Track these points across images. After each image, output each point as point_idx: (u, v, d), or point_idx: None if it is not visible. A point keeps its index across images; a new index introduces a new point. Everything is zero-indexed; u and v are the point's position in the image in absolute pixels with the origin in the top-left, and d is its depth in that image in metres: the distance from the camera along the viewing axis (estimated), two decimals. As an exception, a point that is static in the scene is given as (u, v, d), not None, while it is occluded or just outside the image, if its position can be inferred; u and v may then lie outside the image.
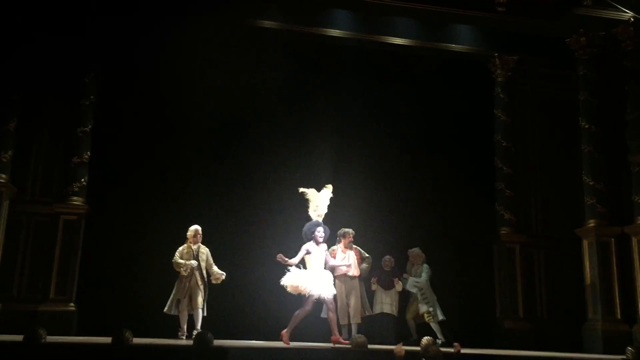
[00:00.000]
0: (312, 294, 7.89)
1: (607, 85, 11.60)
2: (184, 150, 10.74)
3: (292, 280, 7.94)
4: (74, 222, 9.80)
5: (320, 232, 8.16)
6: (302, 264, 8.12)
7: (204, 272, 8.79)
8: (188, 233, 8.89)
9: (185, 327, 8.64)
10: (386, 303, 9.73)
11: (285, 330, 7.99)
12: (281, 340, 7.95)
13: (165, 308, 8.71)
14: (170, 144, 10.68)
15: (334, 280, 8.49)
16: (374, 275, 9.88)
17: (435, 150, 11.62)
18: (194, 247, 8.81)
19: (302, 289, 7.89)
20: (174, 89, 10.60)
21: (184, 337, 8.46)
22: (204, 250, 8.89)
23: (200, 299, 8.62)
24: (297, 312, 8.01)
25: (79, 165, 10.03)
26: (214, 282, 8.83)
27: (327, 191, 8.50)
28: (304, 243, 8.13)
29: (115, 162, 10.44)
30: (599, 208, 10.71)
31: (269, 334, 8.91)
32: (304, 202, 10.58)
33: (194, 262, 8.65)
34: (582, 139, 11.15)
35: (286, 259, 7.89)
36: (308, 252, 8.07)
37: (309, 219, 8.43)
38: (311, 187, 8.54)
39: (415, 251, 10.04)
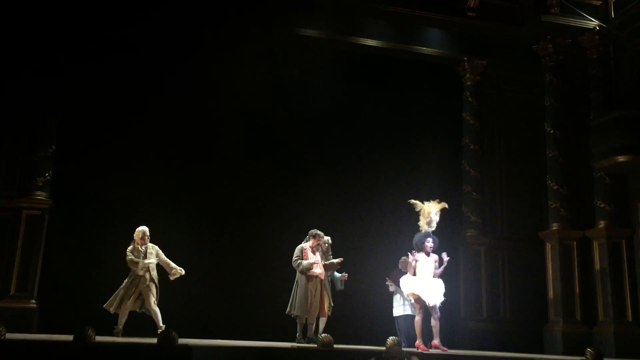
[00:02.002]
0: (425, 301, 8.41)
1: (572, 91, 11.87)
2: (150, 147, 10.57)
3: (410, 287, 8.53)
4: (37, 217, 9.63)
5: (430, 243, 8.69)
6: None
7: (155, 271, 8.59)
8: (135, 235, 8.61)
9: (122, 325, 8.40)
10: (407, 305, 9.57)
11: (417, 341, 8.36)
12: (418, 349, 8.24)
13: (106, 304, 8.36)
14: (137, 141, 10.53)
15: (307, 280, 8.56)
16: (391, 277, 9.77)
17: (403, 152, 11.70)
18: (142, 248, 8.60)
19: (418, 295, 8.44)
20: (137, 84, 10.47)
21: (120, 335, 8.30)
22: (153, 250, 8.67)
23: (152, 299, 8.46)
24: (416, 320, 8.46)
25: (44, 160, 9.84)
26: (171, 278, 8.62)
27: (441, 206, 9.02)
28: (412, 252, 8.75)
29: (81, 157, 10.26)
30: (562, 212, 10.95)
31: (236, 333, 8.89)
32: (274, 206, 10.64)
33: (153, 261, 8.47)
34: (547, 143, 11.39)
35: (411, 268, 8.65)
36: (416, 261, 8.62)
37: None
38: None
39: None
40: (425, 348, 8.28)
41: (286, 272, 8.98)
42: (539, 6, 11.60)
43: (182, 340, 6.27)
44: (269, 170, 10.99)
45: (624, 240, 10.62)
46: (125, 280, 8.47)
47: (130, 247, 8.57)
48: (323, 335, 7.42)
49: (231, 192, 10.83)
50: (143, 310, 8.54)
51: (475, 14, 11.76)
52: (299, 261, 8.63)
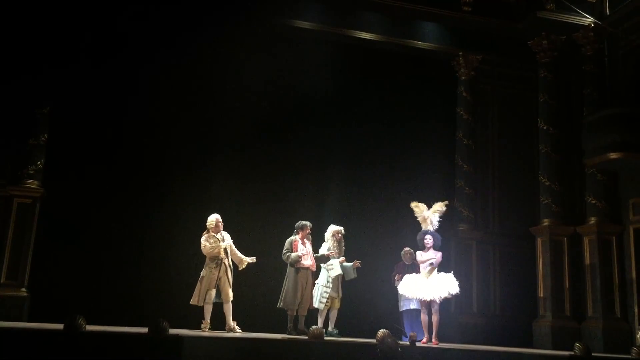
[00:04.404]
0: (424, 297, 8.65)
1: (566, 88, 11.91)
2: (142, 136, 10.49)
3: (404, 287, 8.82)
4: (29, 205, 9.57)
5: (427, 240, 8.88)
6: None
7: (230, 260, 8.48)
8: (208, 224, 8.44)
9: (209, 318, 8.29)
10: (409, 300, 9.46)
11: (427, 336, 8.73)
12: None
13: (193, 299, 8.26)
14: (130, 129, 10.46)
15: (296, 272, 8.61)
16: (395, 271, 9.71)
17: (396, 146, 11.70)
18: (218, 235, 8.45)
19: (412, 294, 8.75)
20: (130, 73, 10.40)
21: (207, 330, 8.19)
22: (227, 237, 8.54)
23: (230, 290, 8.32)
24: (423, 318, 8.76)
25: (36, 148, 9.78)
26: (240, 268, 8.52)
27: (438, 207, 9.15)
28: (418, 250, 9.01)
29: (73, 145, 10.18)
30: (553, 208, 11.01)
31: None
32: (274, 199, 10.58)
33: (228, 242, 8.35)
34: (539, 139, 11.43)
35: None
36: (414, 259, 8.98)
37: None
38: None
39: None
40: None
41: (280, 265, 8.98)
42: (534, 2, 11.62)
43: (173, 331, 6.27)
44: (258, 163, 10.95)
45: (614, 237, 10.69)
46: (203, 271, 8.34)
47: (204, 237, 8.42)
48: (314, 327, 7.45)
49: (224, 187, 10.77)
50: (217, 300, 8.35)
51: (470, 9, 11.78)
52: (287, 254, 8.72)
